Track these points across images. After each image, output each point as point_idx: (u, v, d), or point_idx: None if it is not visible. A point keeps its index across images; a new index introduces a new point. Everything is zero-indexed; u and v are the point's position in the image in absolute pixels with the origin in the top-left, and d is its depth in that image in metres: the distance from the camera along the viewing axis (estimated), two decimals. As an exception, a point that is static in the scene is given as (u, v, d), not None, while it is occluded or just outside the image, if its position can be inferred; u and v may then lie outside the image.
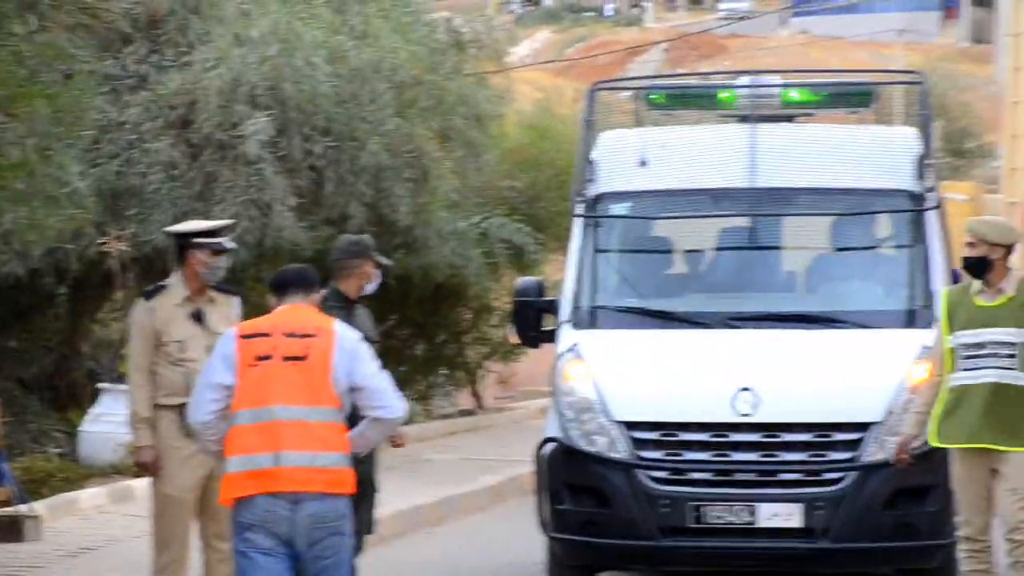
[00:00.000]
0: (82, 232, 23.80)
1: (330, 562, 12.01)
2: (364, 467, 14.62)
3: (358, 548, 15.30)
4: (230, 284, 15.80)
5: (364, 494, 15.18)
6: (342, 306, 15.64)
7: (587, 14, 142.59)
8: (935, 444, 15.59)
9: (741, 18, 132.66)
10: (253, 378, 12.06)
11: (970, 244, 15.61)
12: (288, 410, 12.01)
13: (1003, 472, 15.47)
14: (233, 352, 12.18)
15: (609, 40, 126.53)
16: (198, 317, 15.28)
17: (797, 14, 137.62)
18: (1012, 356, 15.39)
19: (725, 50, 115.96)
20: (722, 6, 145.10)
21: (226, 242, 15.46)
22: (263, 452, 11.96)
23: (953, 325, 15.54)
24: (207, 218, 23.28)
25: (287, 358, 12.04)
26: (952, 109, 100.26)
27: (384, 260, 16.42)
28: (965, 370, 15.44)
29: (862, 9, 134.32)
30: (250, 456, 12.00)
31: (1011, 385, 15.38)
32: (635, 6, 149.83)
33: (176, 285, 15.37)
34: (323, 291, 15.11)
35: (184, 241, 15.42)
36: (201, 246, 15.25)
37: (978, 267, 15.52)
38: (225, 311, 15.37)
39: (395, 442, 16.63)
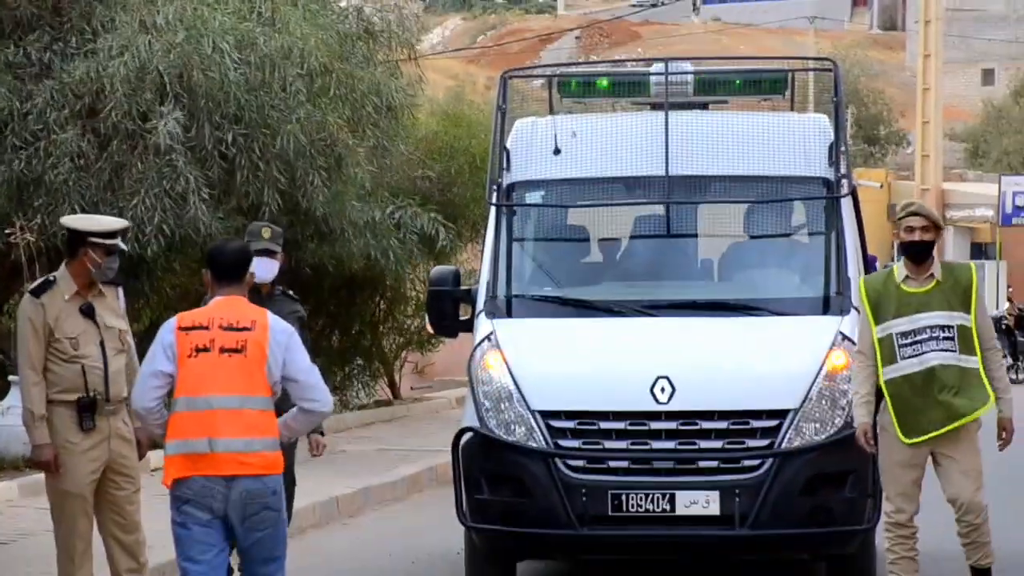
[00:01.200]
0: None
1: (264, 534, 12.67)
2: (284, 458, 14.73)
3: None
4: (129, 275, 15.75)
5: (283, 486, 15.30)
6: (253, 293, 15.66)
7: (498, 1, 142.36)
8: (907, 442, 15.56)
9: (653, 5, 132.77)
10: (192, 368, 12.64)
11: (923, 228, 15.75)
12: (224, 399, 12.61)
13: (951, 455, 15.60)
14: (173, 343, 12.71)
15: (521, 28, 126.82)
16: (89, 312, 15.16)
17: (708, 1, 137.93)
18: (950, 339, 15.52)
19: (638, 37, 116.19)
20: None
21: (121, 243, 15.25)
22: (199, 437, 12.57)
23: (881, 315, 15.62)
24: (118, 210, 23.30)
25: (224, 350, 12.65)
26: (864, 96, 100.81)
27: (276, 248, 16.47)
28: (907, 358, 15.53)
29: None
30: (186, 441, 12.60)
31: (954, 366, 15.51)
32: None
33: (64, 279, 15.13)
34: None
35: (78, 237, 15.20)
36: (96, 245, 15.04)
37: (925, 252, 15.70)
38: (112, 303, 15.29)
39: (313, 452, 16.71)
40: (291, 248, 22.79)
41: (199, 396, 12.67)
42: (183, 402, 12.70)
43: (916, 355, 15.51)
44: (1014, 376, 50.10)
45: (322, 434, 16.69)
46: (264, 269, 16.20)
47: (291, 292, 16.82)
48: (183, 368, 12.70)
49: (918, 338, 15.55)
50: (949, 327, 15.54)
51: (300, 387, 12.88)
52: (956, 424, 15.56)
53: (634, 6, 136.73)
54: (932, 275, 15.66)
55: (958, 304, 15.58)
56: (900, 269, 15.75)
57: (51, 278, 15.24)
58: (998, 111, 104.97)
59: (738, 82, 20.04)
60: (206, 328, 12.74)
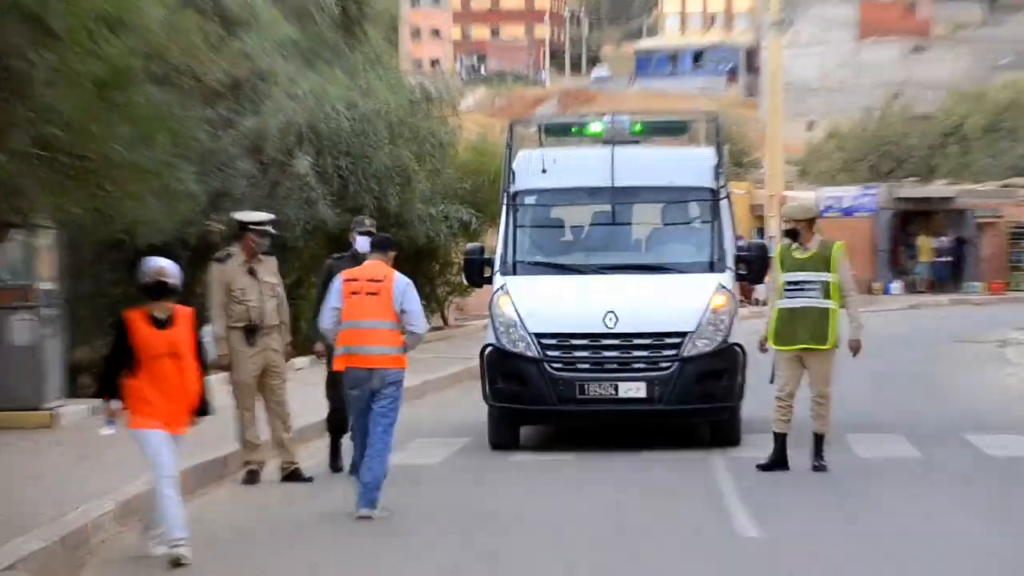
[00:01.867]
0: (193, 219, 23.73)
1: (387, 401, 13.29)
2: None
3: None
4: (282, 250, 15.83)
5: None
6: (351, 260, 15.55)
7: (508, 77, 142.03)
8: (774, 347, 15.51)
9: (606, 80, 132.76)
10: (350, 304, 13.29)
11: (785, 222, 15.92)
12: (368, 323, 13.24)
13: (812, 365, 15.50)
14: (340, 288, 13.39)
15: (521, 94, 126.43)
16: (252, 272, 15.25)
17: (639, 77, 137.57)
18: (816, 289, 15.43)
19: (594, 100, 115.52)
20: (593, 74, 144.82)
21: (270, 229, 15.47)
22: (355, 345, 13.27)
23: (782, 269, 15.56)
24: (274, 211, 23.08)
25: (367, 293, 13.27)
26: (734, 137, 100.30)
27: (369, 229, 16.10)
28: (788, 298, 15.44)
29: (679, 75, 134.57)
30: (348, 347, 13.29)
31: (816, 307, 15.40)
32: (538, 72, 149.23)
33: (236, 252, 15.35)
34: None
35: (243, 225, 15.46)
36: (252, 230, 15.28)
37: (792, 235, 15.65)
38: (269, 267, 15.43)
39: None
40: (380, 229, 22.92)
41: (355, 320, 13.28)
42: (346, 324, 13.31)
43: (793, 297, 15.44)
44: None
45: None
46: (366, 244, 15.98)
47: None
48: (346, 303, 13.31)
49: (796, 287, 15.50)
50: (816, 282, 15.50)
51: (409, 316, 13.29)
52: (812, 347, 15.45)
53: (593, 81, 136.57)
54: (808, 248, 15.60)
55: (824, 267, 15.52)
56: (795, 242, 15.72)
57: (229, 251, 15.44)
58: (816, 147, 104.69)
59: (656, 127, 19.98)
60: (357, 280, 13.38)
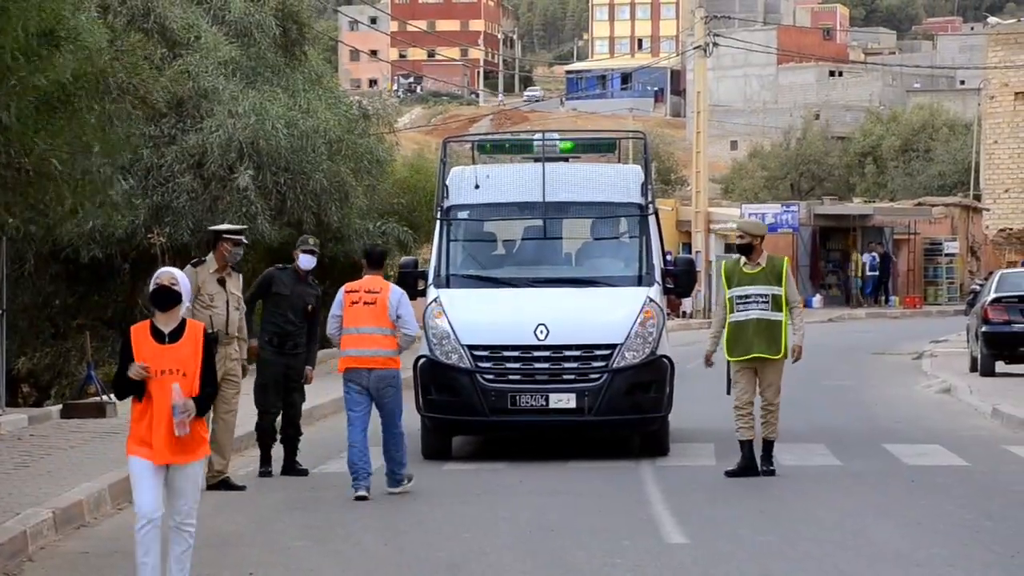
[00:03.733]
0: (136, 232, 23.54)
1: (390, 399, 14.57)
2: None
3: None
4: (240, 269, 15.77)
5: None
6: (293, 275, 15.93)
7: (443, 97, 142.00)
8: (729, 359, 15.54)
9: (537, 100, 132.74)
10: (351, 312, 14.54)
11: (740, 237, 15.88)
12: (367, 328, 14.49)
13: (763, 374, 15.57)
14: (342, 299, 14.66)
15: (457, 114, 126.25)
16: (222, 282, 15.15)
17: (570, 98, 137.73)
18: (766, 302, 15.46)
19: (527, 120, 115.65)
20: (526, 93, 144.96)
21: (242, 238, 15.54)
22: (356, 348, 14.53)
23: (730, 284, 15.56)
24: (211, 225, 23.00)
25: (365, 303, 14.52)
26: (662, 156, 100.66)
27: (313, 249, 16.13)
28: (739, 311, 15.45)
29: (608, 96, 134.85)
30: (348, 350, 14.57)
31: (768, 319, 15.45)
32: (472, 93, 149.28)
33: (210, 262, 15.24)
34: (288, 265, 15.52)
35: (217, 235, 15.40)
36: (226, 239, 15.17)
37: (746, 249, 15.65)
38: (236, 280, 15.37)
39: (305, 381, 16.15)
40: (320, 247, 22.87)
41: (354, 327, 14.53)
42: (348, 330, 14.56)
43: (744, 311, 15.46)
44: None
45: (312, 367, 16.06)
46: (308, 261, 15.91)
47: (315, 281, 16.45)
48: (347, 312, 14.57)
49: (747, 301, 15.53)
50: (766, 295, 15.54)
51: (403, 320, 14.57)
52: (765, 357, 15.52)
53: (525, 101, 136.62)
54: (759, 263, 15.61)
55: (774, 281, 15.56)
56: (743, 257, 15.73)
57: (204, 259, 15.39)
58: (740, 166, 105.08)
59: (586, 145, 19.85)
60: (357, 291, 14.64)
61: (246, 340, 15.45)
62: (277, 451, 16.00)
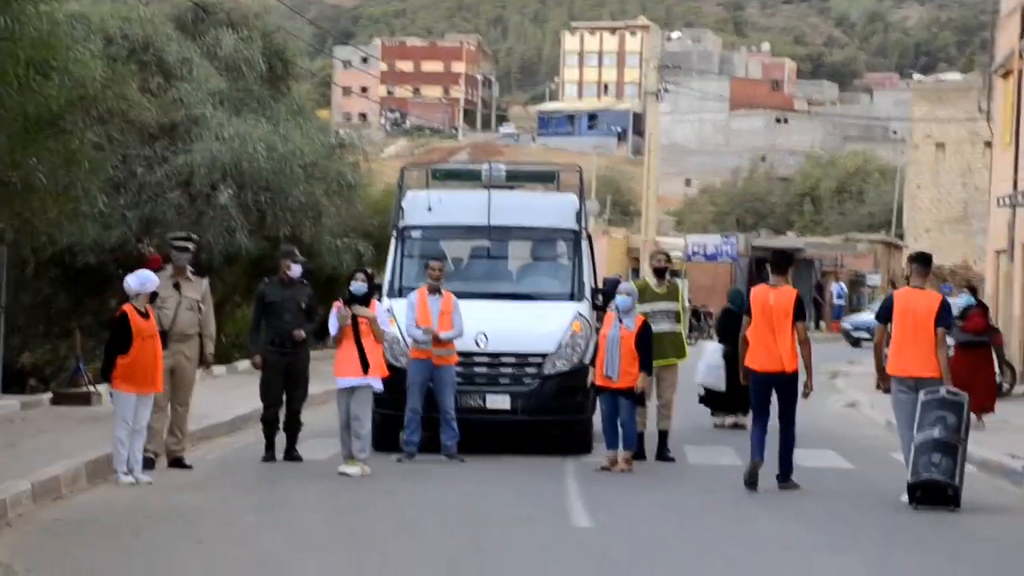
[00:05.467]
0: (128, 241, 23.81)
1: (447, 384, 16.44)
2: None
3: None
4: (203, 271, 15.98)
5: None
6: (279, 283, 16.18)
7: (426, 131, 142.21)
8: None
9: (512, 136, 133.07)
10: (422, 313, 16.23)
11: (659, 261, 17.63)
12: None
13: (662, 376, 16.84)
14: (414, 301, 16.25)
15: (438, 147, 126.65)
16: (176, 286, 15.29)
17: (541, 135, 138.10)
18: (669, 316, 16.66)
19: (502, 153, 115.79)
20: (501, 130, 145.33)
21: (187, 244, 15.61)
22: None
23: (643, 300, 16.40)
24: (199, 236, 23.24)
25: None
26: (623, 190, 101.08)
27: (301, 259, 16.49)
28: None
29: (576, 134, 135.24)
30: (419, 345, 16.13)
31: (674, 331, 16.82)
32: (453, 128, 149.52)
33: (168, 268, 15.45)
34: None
35: (168, 243, 15.67)
36: (173, 246, 15.32)
37: (663, 272, 17.15)
38: (196, 285, 15.50)
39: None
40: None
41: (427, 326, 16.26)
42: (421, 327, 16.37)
43: (654, 324, 16.25)
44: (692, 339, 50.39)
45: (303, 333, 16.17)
46: (297, 270, 16.17)
47: (305, 281, 16.69)
48: (418, 312, 16.39)
49: (657, 315, 16.55)
50: (670, 310, 16.64)
51: (454, 318, 16.34)
52: (665, 363, 16.63)
53: (501, 136, 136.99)
54: (666, 283, 16.91)
55: (675, 298, 16.83)
56: (650, 279, 17.19)
57: (163, 267, 15.49)
58: (691, 201, 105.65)
59: (529, 175, 20.13)
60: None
61: (211, 340, 15.66)
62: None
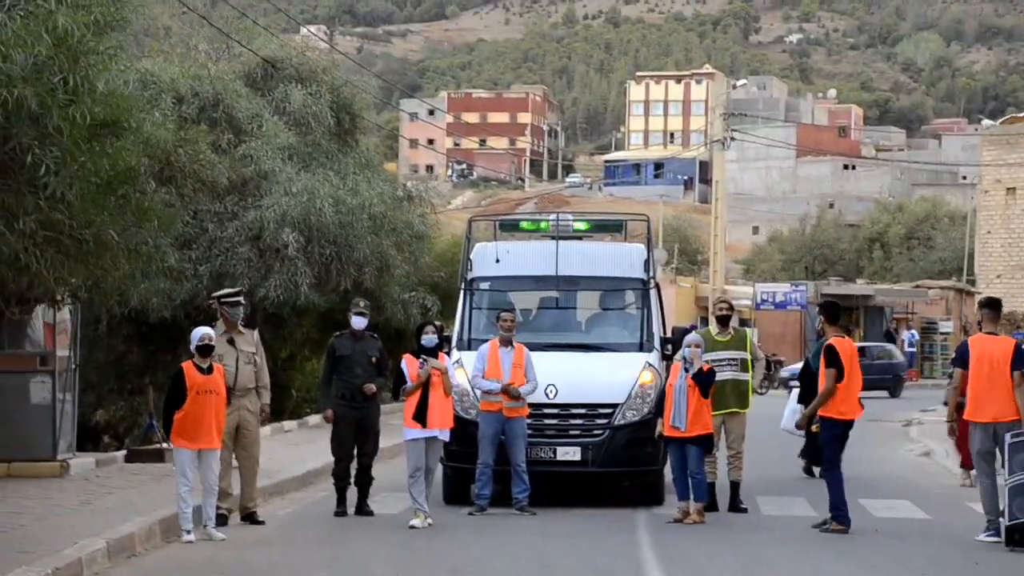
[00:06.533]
0: (199, 295, 24.10)
1: (519, 438, 16.46)
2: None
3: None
4: (255, 323, 16.04)
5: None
6: (350, 337, 16.23)
7: (493, 182, 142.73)
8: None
9: (579, 186, 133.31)
10: (492, 365, 16.32)
11: (721, 309, 17.31)
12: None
13: (729, 426, 16.75)
14: (485, 353, 16.36)
15: (505, 197, 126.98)
16: (231, 342, 15.40)
17: (607, 184, 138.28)
18: (735, 365, 16.56)
19: (568, 203, 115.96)
20: (568, 180, 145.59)
21: (240, 299, 15.75)
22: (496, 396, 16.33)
23: (706, 350, 16.23)
24: (266, 290, 23.41)
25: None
26: (690, 239, 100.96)
27: (365, 312, 16.40)
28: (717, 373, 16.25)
29: (642, 183, 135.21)
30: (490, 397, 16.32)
31: (737, 379, 16.63)
32: (519, 178, 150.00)
33: (219, 326, 15.51)
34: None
35: (218, 300, 15.73)
36: (224, 303, 15.47)
37: (727, 320, 16.97)
38: (248, 338, 15.61)
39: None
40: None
41: (496, 379, 16.34)
42: (491, 380, 16.46)
43: (720, 371, 16.30)
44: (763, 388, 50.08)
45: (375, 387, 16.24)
46: (360, 322, 16.20)
47: (375, 335, 16.74)
48: (488, 365, 16.42)
49: (720, 364, 16.40)
50: (735, 359, 16.54)
51: (528, 373, 16.46)
52: (726, 412, 16.55)
53: (567, 186, 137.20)
54: (731, 331, 16.81)
55: (742, 347, 16.64)
56: (714, 328, 17.06)
57: (214, 324, 15.40)
58: (759, 249, 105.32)
59: (596, 225, 20.12)
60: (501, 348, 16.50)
61: (267, 390, 15.72)
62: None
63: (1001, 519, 14.16)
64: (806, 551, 13.94)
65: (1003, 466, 14.32)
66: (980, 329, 14.85)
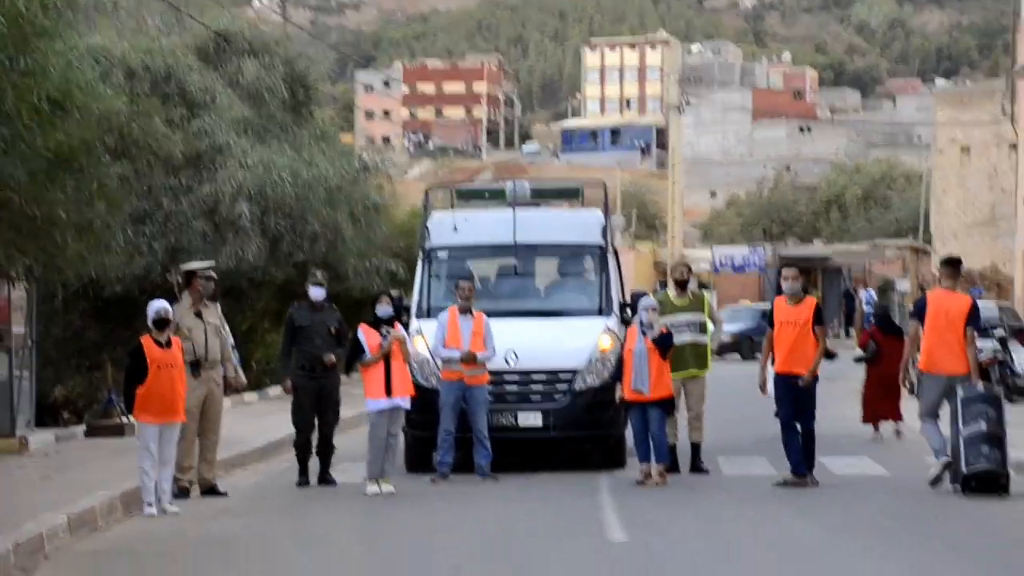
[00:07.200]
0: (153, 270, 23.99)
1: (479, 403, 16.39)
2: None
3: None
4: (217, 296, 16.00)
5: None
6: (308, 308, 16.21)
7: (450, 152, 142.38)
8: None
9: (536, 154, 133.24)
10: (453, 333, 16.16)
11: (680, 273, 17.41)
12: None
13: (689, 388, 16.87)
14: (445, 322, 16.23)
15: (462, 167, 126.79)
16: (199, 315, 15.33)
17: (564, 152, 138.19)
18: (694, 327, 16.70)
19: (526, 171, 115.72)
20: (524, 148, 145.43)
21: (211, 273, 15.73)
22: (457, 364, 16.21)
23: (664, 314, 16.38)
24: (221, 264, 23.32)
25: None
26: (648, 204, 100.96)
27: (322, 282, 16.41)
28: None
29: (599, 150, 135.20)
30: (451, 365, 16.20)
31: (696, 342, 16.77)
32: (476, 147, 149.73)
33: (185, 298, 15.47)
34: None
35: (189, 274, 15.63)
36: (199, 276, 15.35)
37: (684, 284, 17.10)
38: (213, 311, 15.57)
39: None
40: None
41: (456, 348, 16.29)
42: (450, 349, 16.38)
43: (678, 335, 16.36)
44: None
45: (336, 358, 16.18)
46: (318, 293, 16.18)
47: (334, 306, 16.71)
48: (449, 333, 16.29)
49: (679, 326, 16.49)
50: (694, 322, 16.70)
51: (487, 342, 16.41)
52: (686, 374, 16.67)
53: (524, 155, 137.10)
54: (689, 295, 17.04)
55: (700, 309, 16.87)
56: (672, 291, 17.07)
57: (180, 298, 15.33)
58: (717, 213, 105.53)
59: (553, 192, 20.13)
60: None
61: (231, 363, 15.71)
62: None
63: (953, 465, 14.70)
64: (766, 509, 14.03)
65: (953, 418, 14.73)
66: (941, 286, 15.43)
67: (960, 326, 14.83)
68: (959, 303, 14.98)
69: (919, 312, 15.25)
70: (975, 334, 14.97)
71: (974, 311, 14.94)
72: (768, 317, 15.93)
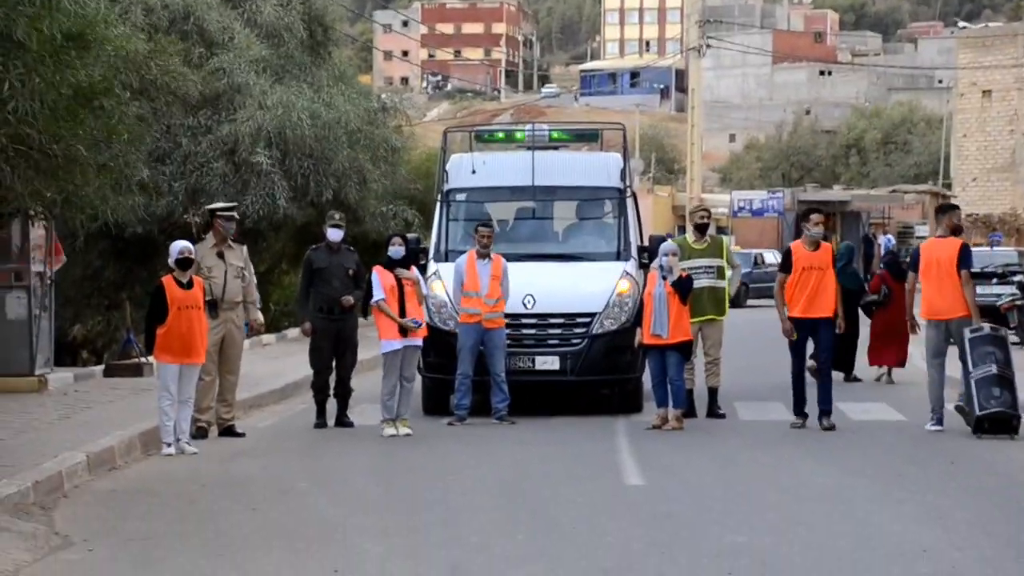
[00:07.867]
0: (175, 211, 23.91)
1: (498, 347, 16.43)
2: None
3: None
4: (242, 238, 15.97)
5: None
6: (326, 250, 16.20)
7: (468, 94, 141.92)
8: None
9: (555, 96, 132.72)
10: (471, 278, 16.29)
11: (700, 217, 17.31)
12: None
13: (707, 333, 16.83)
14: (463, 266, 16.27)
15: (481, 109, 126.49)
16: (220, 255, 15.30)
17: (583, 95, 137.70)
18: (711, 272, 16.62)
19: (545, 114, 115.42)
20: (543, 91, 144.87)
21: (234, 214, 15.67)
22: (474, 307, 16.21)
23: (684, 258, 16.35)
24: (244, 205, 23.30)
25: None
26: (666, 148, 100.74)
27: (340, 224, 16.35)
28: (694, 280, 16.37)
29: (618, 93, 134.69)
30: (468, 309, 16.23)
31: (714, 287, 16.71)
32: (495, 90, 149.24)
33: (209, 238, 15.47)
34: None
35: (212, 213, 15.58)
36: (219, 216, 15.32)
37: (704, 228, 17.07)
38: (238, 252, 15.50)
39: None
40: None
41: (474, 291, 16.32)
42: (468, 292, 16.36)
43: (697, 280, 16.34)
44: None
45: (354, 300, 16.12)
46: (335, 234, 16.16)
47: (352, 248, 16.71)
48: (467, 278, 16.32)
49: (697, 271, 16.43)
50: (712, 266, 16.67)
51: (503, 287, 16.48)
52: (704, 319, 16.63)
53: (543, 97, 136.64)
54: (708, 239, 17.01)
55: (718, 254, 16.82)
56: (690, 236, 17.06)
57: (203, 237, 15.43)
58: (736, 157, 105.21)
59: (572, 135, 20.06)
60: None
61: (254, 306, 15.73)
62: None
63: (962, 408, 15.17)
64: (783, 454, 14.05)
65: (962, 360, 15.01)
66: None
67: (952, 271, 15.11)
68: (948, 248, 15.25)
69: (914, 263, 15.56)
70: (969, 274, 15.22)
71: (964, 253, 15.21)
72: (783, 262, 15.92)
